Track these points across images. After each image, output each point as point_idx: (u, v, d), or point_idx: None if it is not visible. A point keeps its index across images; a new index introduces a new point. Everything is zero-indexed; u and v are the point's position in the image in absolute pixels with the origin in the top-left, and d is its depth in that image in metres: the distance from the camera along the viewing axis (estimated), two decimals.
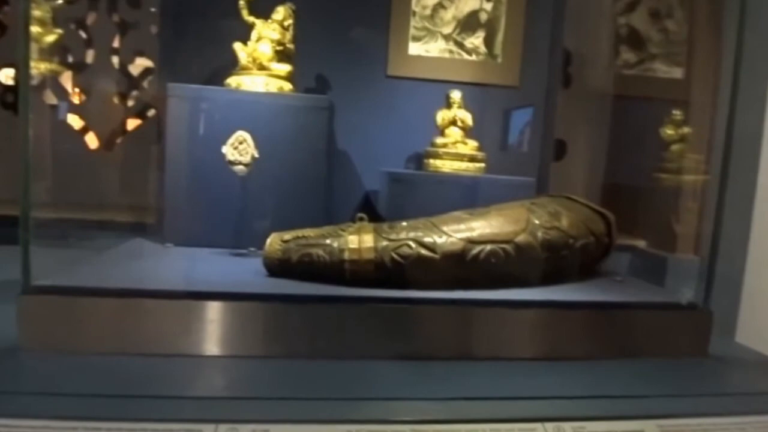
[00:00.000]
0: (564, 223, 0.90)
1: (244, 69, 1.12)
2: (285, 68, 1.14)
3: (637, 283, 0.99)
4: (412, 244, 0.81)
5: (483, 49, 1.40)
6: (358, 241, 0.81)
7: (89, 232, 1.22)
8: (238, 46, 1.14)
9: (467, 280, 0.82)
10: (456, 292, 0.80)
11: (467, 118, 1.27)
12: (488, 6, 1.39)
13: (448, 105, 1.27)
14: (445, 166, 1.21)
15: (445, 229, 0.83)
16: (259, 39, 1.15)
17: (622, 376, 0.72)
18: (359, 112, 1.38)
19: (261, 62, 1.13)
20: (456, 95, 1.27)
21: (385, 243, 0.81)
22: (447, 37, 1.38)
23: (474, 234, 0.83)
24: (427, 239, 0.81)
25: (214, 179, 1.00)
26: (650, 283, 1.00)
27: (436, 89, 1.35)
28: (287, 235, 0.86)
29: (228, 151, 0.96)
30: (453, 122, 1.26)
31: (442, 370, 0.71)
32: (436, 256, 0.80)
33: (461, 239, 0.82)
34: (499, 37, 1.40)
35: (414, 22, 1.37)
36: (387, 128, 1.38)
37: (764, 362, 0.84)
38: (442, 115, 1.27)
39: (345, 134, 1.37)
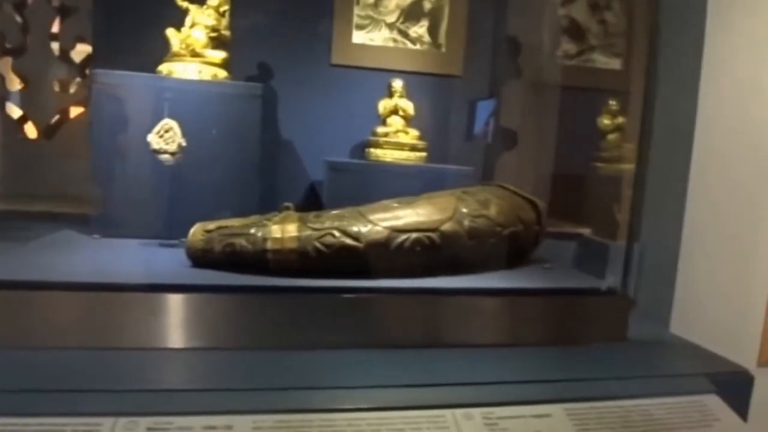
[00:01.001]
0: (492, 211, 0.91)
1: (176, 56, 1.09)
2: (220, 55, 1.11)
3: (566, 270, 1.01)
4: (336, 233, 0.80)
5: (427, 38, 1.40)
6: (282, 230, 0.80)
7: (24, 223, 1.19)
8: (170, 32, 1.11)
9: (393, 268, 0.82)
10: (380, 281, 0.80)
11: (409, 107, 1.26)
12: None
13: (390, 94, 1.27)
14: (386, 155, 1.21)
15: (371, 217, 0.83)
16: (193, 25, 1.13)
17: (535, 361, 0.74)
18: (304, 100, 1.36)
19: (194, 49, 1.10)
20: (397, 84, 1.26)
21: (308, 232, 0.80)
22: (391, 26, 1.38)
23: (399, 222, 0.83)
24: (352, 228, 0.81)
25: (143, 169, 0.98)
26: (582, 271, 1.02)
27: (380, 78, 1.34)
28: (211, 225, 0.84)
29: (153, 139, 0.94)
30: (394, 111, 1.26)
31: (354, 360, 0.71)
32: (360, 245, 0.80)
33: (386, 228, 0.82)
34: (443, 26, 1.39)
35: (358, 11, 1.36)
36: (332, 117, 1.37)
37: (681, 347, 0.87)
38: (383, 104, 1.26)
39: (290, 123, 1.36)
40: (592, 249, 1.18)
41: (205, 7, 1.14)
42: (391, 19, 1.37)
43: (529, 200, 1.00)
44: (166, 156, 0.94)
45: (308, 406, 0.58)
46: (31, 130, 1.45)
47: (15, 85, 1.47)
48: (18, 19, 1.41)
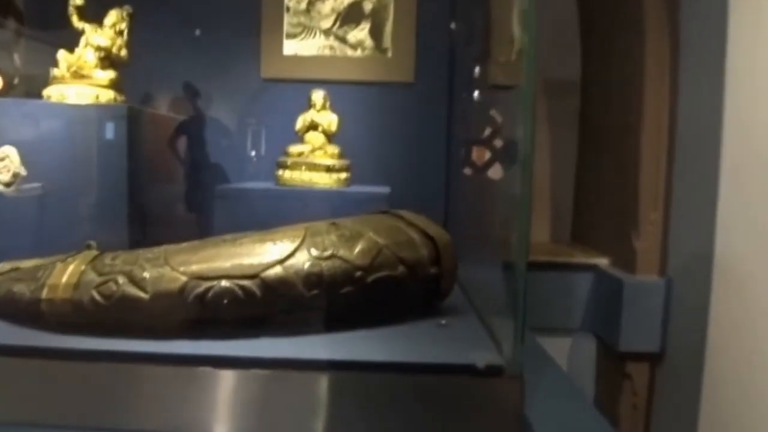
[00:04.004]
0: (355, 249, 0.70)
1: (58, 79, 1.00)
2: (106, 75, 1.01)
3: (470, 328, 0.76)
4: (120, 280, 0.64)
5: (369, 42, 1.21)
6: (62, 275, 0.65)
7: None
8: (61, 54, 1.03)
9: (191, 327, 0.64)
10: (171, 341, 0.62)
11: (332, 122, 1.08)
12: None
13: (311, 107, 1.10)
14: (296, 178, 1.03)
15: (171, 261, 0.65)
16: (86, 46, 1.04)
17: None
18: (232, 120, 1.23)
19: (83, 71, 1.01)
20: (317, 96, 1.09)
21: (90, 278, 0.65)
22: (327, 32, 1.21)
23: (203, 267, 0.65)
24: (142, 274, 0.64)
25: None
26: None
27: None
28: (8, 266, 0.71)
29: None
30: (313, 127, 1.08)
31: None
32: (145, 296, 0.63)
33: (184, 274, 0.64)
34: (388, 28, 1.21)
35: (288, 18, 1.21)
36: (262, 136, 1.22)
37: None
38: (302, 119, 1.09)
39: (215, 145, 1.23)
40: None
41: (102, 27, 1.05)
42: (327, 24, 1.21)
43: (427, 234, 0.78)
44: None
45: None
46: None
47: None
48: None
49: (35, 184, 0.87)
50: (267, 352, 0.61)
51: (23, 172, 0.84)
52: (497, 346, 0.67)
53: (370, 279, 0.70)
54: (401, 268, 0.73)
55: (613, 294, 1.03)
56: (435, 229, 0.79)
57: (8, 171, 0.84)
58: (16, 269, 0.70)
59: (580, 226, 1.30)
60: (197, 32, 1.20)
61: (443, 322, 0.75)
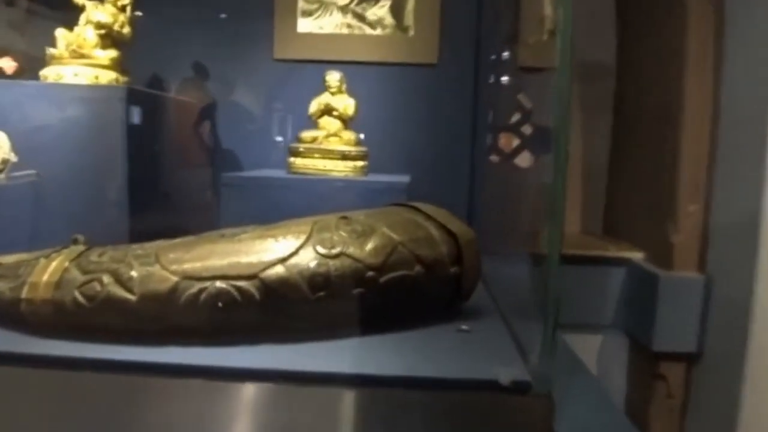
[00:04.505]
0: (367, 246, 0.63)
1: (56, 59, 0.94)
2: (108, 55, 0.95)
3: (494, 334, 0.68)
4: (105, 280, 0.57)
5: (390, 20, 1.12)
6: (43, 272, 0.60)
7: None
8: (59, 32, 0.97)
9: (186, 331, 0.57)
10: (160, 349, 0.56)
11: (348, 105, 1.01)
12: None
13: (326, 90, 1.02)
14: (309, 166, 0.96)
15: (162, 258, 0.59)
16: (87, 23, 0.98)
17: None
18: (242, 104, 1.16)
19: (83, 50, 0.95)
20: (333, 78, 1.01)
21: (73, 276, 0.59)
22: (344, 9, 1.13)
23: (197, 266, 0.58)
24: (129, 273, 0.58)
25: None
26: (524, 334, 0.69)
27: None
28: None
29: None
30: (328, 111, 1.00)
31: None
32: (132, 298, 0.57)
33: (175, 273, 0.57)
34: (410, 5, 1.12)
35: None
36: (274, 121, 1.15)
37: None
38: (316, 102, 1.02)
39: (227, 131, 1.17)
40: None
41: (103, 3, 0.99)
42: (344, 0, 1.12)
43: (448, 230, 0.70)
44: None
45: None
46: None
47: None
48: None
49: (29, 171, 0.81)
50: (266, 362, 0.55)
51: (14, 158, 0.79)
52: (524, 356, 0.59)
53: (383, 280, 0.62)
54: (418, 268, 0.65)
55: (648, 290, 0.97)
56: (456, 224, 0.71)
57: None
58: None
59: (613, 217, 1.23)
60: (206, 10, 1.13)
61: (464, 327, 0.67)
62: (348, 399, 0.54)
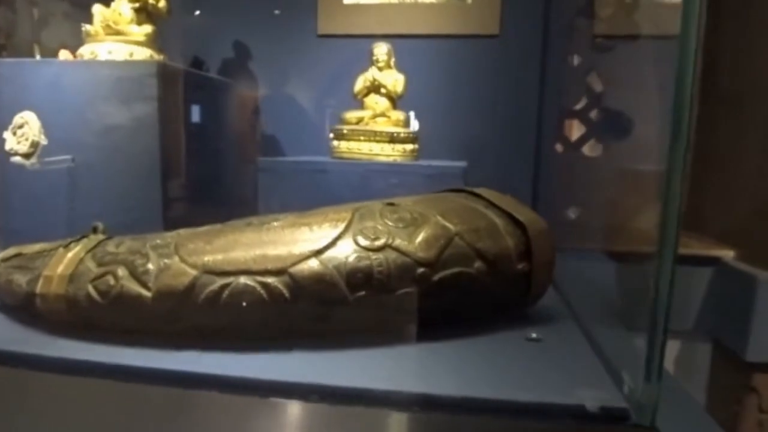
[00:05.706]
0: (417, 238, 0.53)
1: (92, 36, 0.89)
2: (143, 30, 0.89)
3: (570, 344, 0.57)
4: (120, 273, 0.51)
5: None
6: (57, 265, 0.53)
7: None
8: (96, 8, 0.93)
9: (204, 333, 0.50)
10: (174, 354, 0.48)
11: (397, 82, 0.91)
12: None
13: (373, 64, 0.92)
14: (354, 149, 0.87)
15: (182, 250, 0.51)
16: None
17: None
18: (285, 84, 1.09)
19: (118, 26, 0.90)
20: (380, 51, 0.91)
21: (89, 268, 0.52)
22: None
23: (218, 258, 0.50)
24: (145, 265, 0.50)
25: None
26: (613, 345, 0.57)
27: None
28: (13, 251, 0.61)
29: (8, 137, 0.74)
30: (375, 88, 0.91)
31: None
32: (147, 294, 0.49)
33: (194, 266, 0.49)
34: None
35: None
36: (317, 102, 1.07)
37: None
38: (361, 79, 0.92)
39: (269, 113, 1.09)
40: None
41: None
42: None
43: (514, 219, 0.59)
44: (17, 158, 0.74)
45: None
46: None
47: None
48: None
49: (65, 157, 0.76)
50: (294, 374, 0.46)
51: (43, 140, 0.74)
52: (613, 374, 0.48)
53: (435, 278, 0.52)
54: (478, 263, 0.54)
55: (741, 293, 0.88)
56: (525, 213, 0.60)
57: (26, 140, 0.74)
58: (19, 255, 0.59)
59: (698, 209, 1.08)
60: None
61: (534, 335, 0.56)
62: (393, 423, 0.44)
